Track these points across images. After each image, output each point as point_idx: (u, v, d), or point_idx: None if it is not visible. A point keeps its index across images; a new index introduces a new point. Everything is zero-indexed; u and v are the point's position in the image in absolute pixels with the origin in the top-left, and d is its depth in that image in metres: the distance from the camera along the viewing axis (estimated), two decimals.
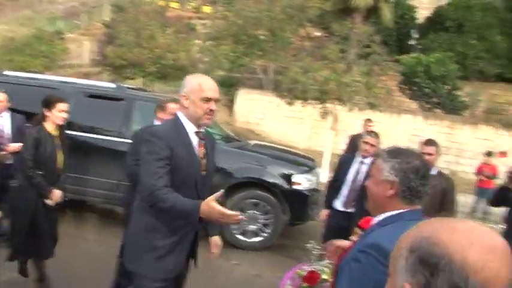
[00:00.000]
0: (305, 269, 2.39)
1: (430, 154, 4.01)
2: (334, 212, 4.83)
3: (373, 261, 1.55)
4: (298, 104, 11.57)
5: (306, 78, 10.14)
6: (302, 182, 6.44)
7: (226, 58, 16.45)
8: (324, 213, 5.03)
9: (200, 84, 2.57)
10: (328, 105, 11.16)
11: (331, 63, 10.26)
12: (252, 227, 6.26)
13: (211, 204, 2.32)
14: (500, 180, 9.51)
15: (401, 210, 1.73)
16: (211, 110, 2.59)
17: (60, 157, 4.08)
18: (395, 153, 1.77)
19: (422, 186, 1.72)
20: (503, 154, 10.23)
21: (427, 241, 0.88)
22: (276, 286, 2.41)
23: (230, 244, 6.10)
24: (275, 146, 8.76)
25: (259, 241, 6.31)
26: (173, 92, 17.90)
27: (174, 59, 13.52)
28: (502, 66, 17.31)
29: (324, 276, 2.35)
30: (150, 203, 2.48)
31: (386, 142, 7.49)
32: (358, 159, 4.78)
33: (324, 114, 11.43)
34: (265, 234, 6.31)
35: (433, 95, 15.37)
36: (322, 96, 10.40)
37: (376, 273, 1.49)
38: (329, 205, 4.96)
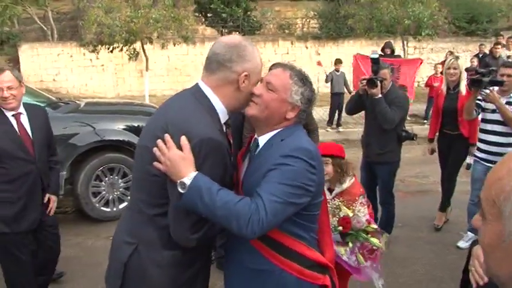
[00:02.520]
0: None
1: None
2: None
3: (303, 163, 1.71)
4: (102, 50, 10.44)
5: (111, 19, 9.10)
6: None
7: None
8: None
9: (261, 63, 1.87)
10: (136, 46, 10.37)
11: None
12: (115, 195, 5.61)
13: None
14: None
15: (288, 125, 1.85)
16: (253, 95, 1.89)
17: None
18: (304, 79, 1.84)
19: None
20: (319, 63, 11.17)
21: None
22: None
23: (98, 220, 5.43)
24: (109, 101, 7.86)
25: (125, 207, 5.72)
26: None
27: None
28: None
29: (349, 214, 2.69)
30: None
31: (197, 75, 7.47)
32: None
33: (133, 56, 10.61)
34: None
35: (230, 19, 15.63)
36: (130, 37, 9.54)
37: (309, 172, 1.72)
38: None
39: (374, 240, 2.70)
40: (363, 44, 14.83)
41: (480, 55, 11.69)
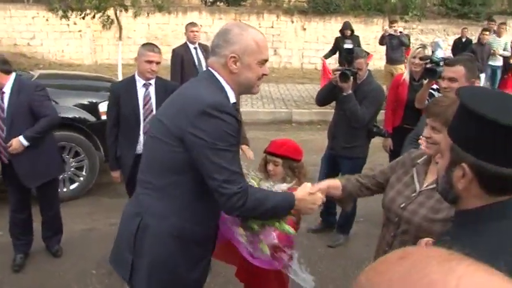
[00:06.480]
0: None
1: None
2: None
3: None
4: (73, 17, 9.90)
5: None
6: None
7: None
8: (117, 174, 3.99)
9: (258, 43, 1.91)
10: (110, 13, 9.85)
11: None
12: (65, 175, 5.27)
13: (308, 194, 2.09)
14: None
15: None
16: (264, 75, 1.98)
17: None
18: None
19: None
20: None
21: None
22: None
23: None
24: (66, 72, 7.42)
25: (76, 188, 5.41)
26: None
27: None
28: None
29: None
30: (232, 209, 1.89)
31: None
32: (140, 82, 3.74)
33: (107, 24, 10.09)
34: (82, 179, 5.42)
35: None
36: (101, 4, 9.02)
37: None
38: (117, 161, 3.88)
39: (286, 226, 2.35)
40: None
41: (463, 39, 11.33)
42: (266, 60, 1.97)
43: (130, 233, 1.96)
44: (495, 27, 11.27)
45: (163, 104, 2.05)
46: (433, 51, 10.59)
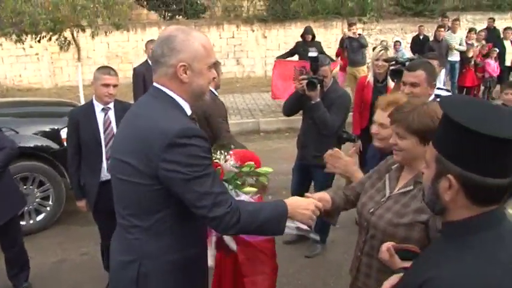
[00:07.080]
0: None
1: None
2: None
3: None
4: (29, 40, 9.63)
5: (32, 7, 8.33)
6: None
7: None
8: (82, 204, 3.85)
9: (205, 47, 1.81)
10: (66, 35, 9.63)
11: None
12: (30, 206, 5.07)
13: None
14: None
15: None
16: (213, 78, 1.93)
17: None
18: None
19: None
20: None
21: None
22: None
23: None
24: (24, 99, 7.18)
25: (43, 218, 5.20)
26: None
27: None
28: None
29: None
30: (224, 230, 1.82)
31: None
32: (99, 107, 3.63)
33: (64, 45, 9.83)
34: (48, 209, 5.22)
35: (173, 3, 14.89)
36: (56, 26, 8.79)
37: None
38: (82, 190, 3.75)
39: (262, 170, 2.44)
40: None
41: (420, 37, 11.59)
42: (214, 63, 1.89)
43: (130, 281, 1.86)
44: (449, 24, 11.60)
45: (118, 139, 1.93)
46: (397, 51, 10.81)
